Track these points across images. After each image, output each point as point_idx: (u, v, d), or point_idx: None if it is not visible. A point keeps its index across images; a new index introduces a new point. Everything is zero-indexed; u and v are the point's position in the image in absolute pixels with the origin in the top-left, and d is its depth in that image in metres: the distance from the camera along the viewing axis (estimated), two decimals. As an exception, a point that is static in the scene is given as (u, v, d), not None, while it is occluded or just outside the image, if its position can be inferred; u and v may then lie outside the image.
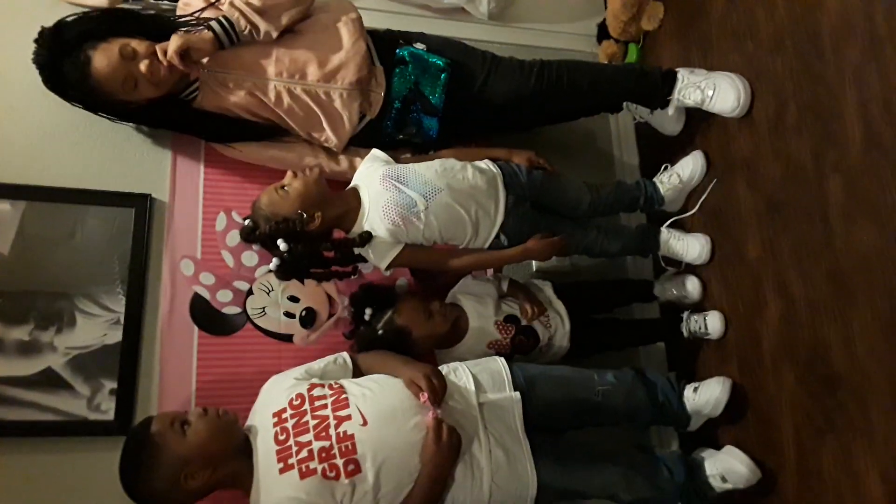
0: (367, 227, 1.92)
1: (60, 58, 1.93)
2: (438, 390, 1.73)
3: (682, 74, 2.25)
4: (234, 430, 1.74)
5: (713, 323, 2.20)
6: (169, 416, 1.69)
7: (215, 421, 1.70)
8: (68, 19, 1.95)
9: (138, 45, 1.92)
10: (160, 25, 2.00)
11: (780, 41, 2.00)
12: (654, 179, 2.34)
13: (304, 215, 1.84)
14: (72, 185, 2.14)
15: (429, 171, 1.96)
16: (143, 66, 1.90)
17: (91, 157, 2.21)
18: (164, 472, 1.65)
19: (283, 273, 1.93)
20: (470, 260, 2.04)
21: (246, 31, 1.97)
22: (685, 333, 2.29)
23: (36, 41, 1.93)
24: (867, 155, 1.72)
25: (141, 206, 2.16)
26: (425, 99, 2.16)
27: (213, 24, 1.94)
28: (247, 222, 1.92)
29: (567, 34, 2.87)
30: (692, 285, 2.29)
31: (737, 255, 2.15)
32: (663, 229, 2.31)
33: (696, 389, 2.09)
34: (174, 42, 1.88)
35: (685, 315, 2.30)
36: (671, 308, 2.40)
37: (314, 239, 1.89)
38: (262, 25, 1.98)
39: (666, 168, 2.35)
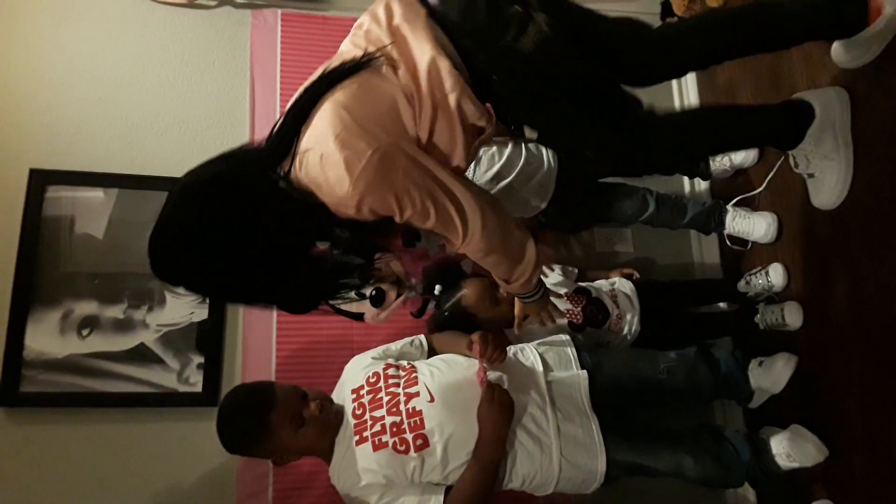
0: None
1: None
2: (492, 344, 1.76)
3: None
4: (338, 425, 1.81)
5: (791, 314, 2.12)
6: (289, 411, 1.73)
7: (325, 424, 1.78)
8: None
9: None
10: None
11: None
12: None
13: None
14: (158, 174, 2.28)
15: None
16: None
17: (174, 147, 2.35)
18: (265, 448, 1.76)
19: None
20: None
21: None
22: (762, 326, 2.22)
23: None
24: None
25: (222, 192, 2.29)
26: None
27: None
28: None
29: (629, 13, 2.84)
30: (776, 274, 2.20)
31: (806, 233, 2.12)
32: (729, 207, 2.30)
33: (761, 363, 2.09)
34: None
35: (761, 307, 2.23)
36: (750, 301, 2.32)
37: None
38: None
39: None
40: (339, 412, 1.83)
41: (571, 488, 1.84)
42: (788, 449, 1.97)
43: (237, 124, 2.39)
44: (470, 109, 1.43)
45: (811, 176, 1.99)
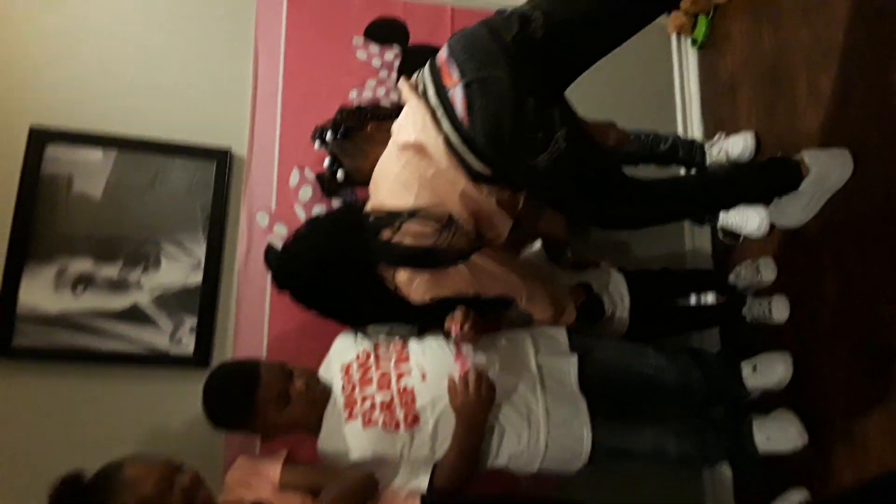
0: None
1: None
2: (471, 320, 1.78)
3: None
4: (324, 401, 1.83)
5: (778, 308, 2.16)
6: (275, 389, 1.76)
7: (311, 401, 1.80)
8: None
9: None
10: None
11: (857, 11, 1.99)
12: (706, 145, 2.38)
13: None
14: (157, 138, 2.29)
15: None
16: None
17: (175, 111, 2.35)
18: (251, 425, 1.80)
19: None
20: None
21: None
22: (748, 318, 2.25)
23: None
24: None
25: (222, 160, 2.30)
26: None
27: None
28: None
29: None
30: (766, 268, 2.23)
31: (796, 230, 2.15)
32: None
33: (755, 368, 2.08)
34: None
35: (749, 299, 2.26)
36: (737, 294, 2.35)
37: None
38: None
39: (720, 137, 2.38)
40: (324, 389, 1.85)
41: (556, 467, 1.86)
42: (770, 431, 2.00)
43: (240, 91, 2.40)
44: None
45: (776, 208, 2.16)
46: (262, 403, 1.75)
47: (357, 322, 1.96)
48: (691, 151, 2.45)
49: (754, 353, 2.12)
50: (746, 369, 2.10)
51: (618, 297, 2.18)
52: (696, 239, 2.61)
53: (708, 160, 2.44)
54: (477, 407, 1.73)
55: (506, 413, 1.80)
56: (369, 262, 1.79)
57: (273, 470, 1.75)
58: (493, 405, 1.77)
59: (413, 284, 1.78)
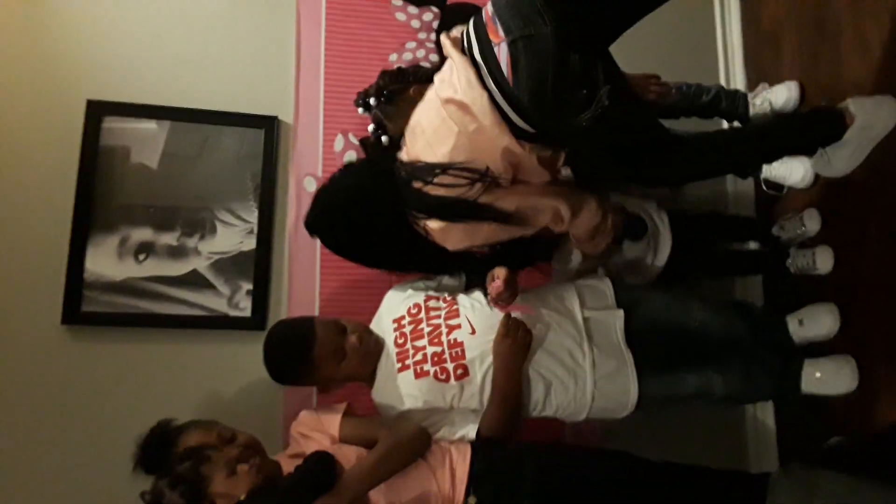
0: None
1: None
2: (507, 282, 1.80)
3: None
4: (378, 353, 1.91)
5: (823, 259, 2.15)
6: (331, 346, 1.83)
7: (365, 354, 1.88)
8: None
9: None
10: None
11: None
12: (749, 96, 2.35)
13: None
14: (208, 107, 2.36)
15: None
16: None
17: (223, 81, 2.41)
18: (310, 379, 1.90)
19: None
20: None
21: None
22: (792, 269, 2.24)
23: None
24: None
25: (270, 128, 2.36)
26: None
27: None
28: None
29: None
30: (811, 219, 2.22)
31: (841, 179, 2.13)
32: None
33: (801, 322, 2.09)
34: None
35: (792, 250, 2.25)
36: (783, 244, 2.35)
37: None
38: None
39: (764, 88, 2.35)
40: (378, 341, 1.92)
41: (602, 416, 1.92)
42: (823, 369, 1.99)
43: (284, 58, 2.44)
44: None
45: (821, 157, 2.11)
46: (319, 359, 1.83)
47: (393, 267, 1.98)
48: (734, 102, 2.43)
49: (799, 306, 2.13)
50: (792, 323, 2.11)
51: (659, 221, 2.17)
52: (738, 192, 2.61)
53: (751, 111, 2.42)
54: (513, 349, 1.79)
55: (553, 366, 1.85)
56: (400, 208, 1.79)
57: (332, 423, 1.82)
58: (528, 350, 1.82)
59: (446, 233, 1.79)
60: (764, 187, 2.38)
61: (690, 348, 2.02)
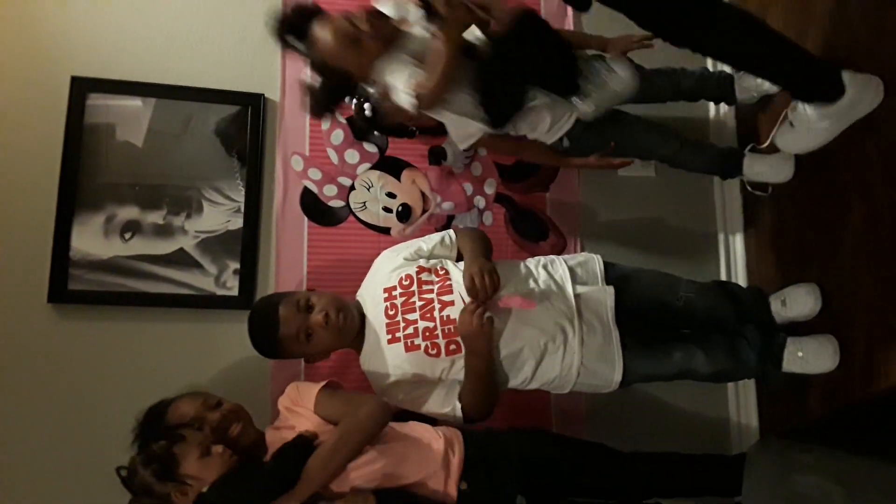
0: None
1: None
2: (482, 289, 1.81)
3: None
4: (352, 326, 1.92)
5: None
6: (293, 325, 1.84)
7: (336, 331, 1.87)
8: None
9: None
10: None
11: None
12: (736, 80, 2.35)
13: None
14: (193, 84, 2.34)
15: None
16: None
17: (209, 58, 2.39)
18: (288, 355, 1.93)
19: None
20: (539, 153, 2.17)
21: None
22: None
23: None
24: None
25: (256, 106, 2.35)
26: None
27: None
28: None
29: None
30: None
31: (822, 161, 2.14)
32: (746, 152, 2.32)
33: (783, 302, 2.12)
34: None
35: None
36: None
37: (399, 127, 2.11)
38: None
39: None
40: (351, 315, 1.91)
41: (587, 390, 1.97)
42: (805, 347, 2.02)
43: (269, 36, 2.41)
44: None
45: (791, 125, 2.10)
46: (286, 340, 1.86)
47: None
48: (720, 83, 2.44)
49: (782, 287, 2.16)
50: (775, 303, 2.14)
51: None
52: (725, 190, 2.64)
53: (737, 91, 2.41)
54: (474, 334, 1.80)
55: (542, 341, 1.87)
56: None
57: (310, 400, 1.83)
58: (491, 336, 1.82)
59: None
60: (749, 188, 2.39)
61: (675, 325, 2.08)
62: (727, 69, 2.52)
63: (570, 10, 2.60)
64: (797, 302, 2.10)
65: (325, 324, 1.85)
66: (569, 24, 2.61)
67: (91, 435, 2.08)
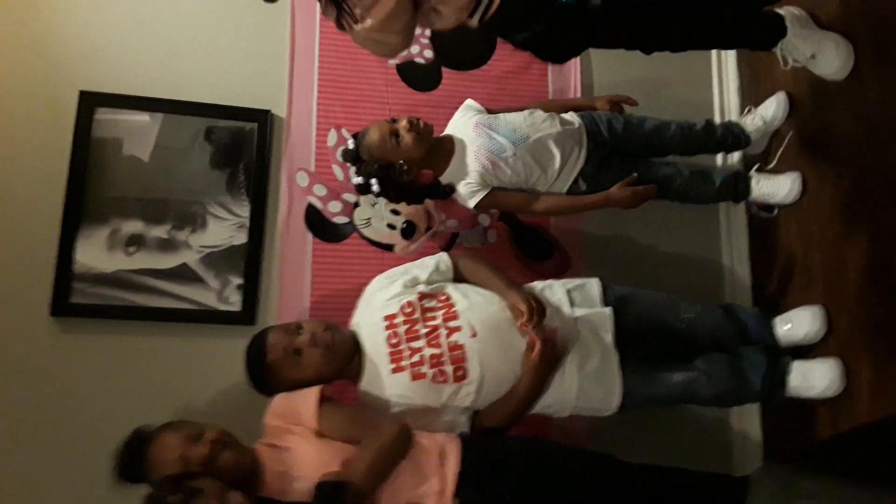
0: (461, 168, 2.13)
1: None
2: (538, 315, 1.83)
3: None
4: (343, 348, 1.90)
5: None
6: (280, 348, 1.85)
7: (325, 350, 1.86)
8: None
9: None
10: None
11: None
12: (739, 121, 2.37)
13: (406, 167, 2.07)
14: (200, 100, 2.35)
15: (518, 120, 2.15)
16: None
17: (216, 74, 2.41)
18: (285, 386, 1.86)
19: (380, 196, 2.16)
20: (552, 204, 2.18)
21: None
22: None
23: None
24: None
25: (262, 122, 2.36)
26: None
27: None
28: (351, 144, 2.12)
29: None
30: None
31: (828, 183, 2.14)
32: (753, 173, 2.33)
33: (788, 324, 2.10)
34: None
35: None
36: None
37: (404, 186, 2.12)
38: None
39: (750, 110, 2.37)
40: (342, 338, 1.90)
41: (587, 413, 1.96)
42: (810, 372, 1.99)
43: (277, 53, 2.44)
44: None
45: (812, 57, 2.08)
46: (275, 363, 1.85)
47: None
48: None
49: (787, 309, 2.15)
50: (780, 325, 2.12)
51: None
52: (731, 219, 2.62)
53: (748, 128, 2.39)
54: (547, 373, 1.85)
55: None
56: None
57: (310, 416, 1.78)
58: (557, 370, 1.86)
59: None
60: (755, 209, 2.39)
61: (677, 348, 2.05)
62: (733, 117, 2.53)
63: (575, 67, 2.61)
64: (802, 324, 2.09)
65: (313, 341, 1.84)
66: (576, 79, 2.62)
67: (92, 449, 2.03)
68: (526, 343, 1.85)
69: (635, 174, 2.14)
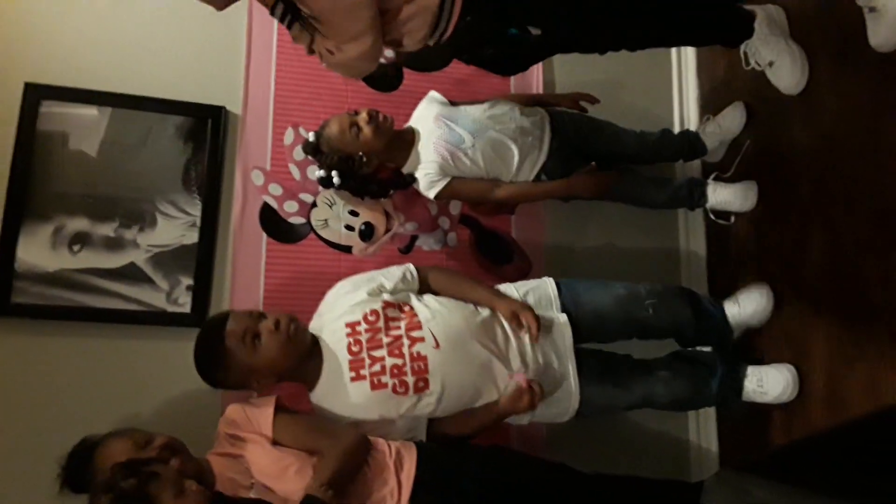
0: (421, 159, 2.10)
1: None
2: (535, 323, 1.83)
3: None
4: (303, 342, 1.85)
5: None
6: (241, 327, 1.77)
7: (285, 339, 1.79)
8: None
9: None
10: None
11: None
12: (697, 130, 2.39)
13: (365, 159, 2.03)
14: (152, 94, 2.29)
15: (478, 112, 2.13)
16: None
17: (169, 69, 2.35)
18: (234, 375, 1.81)
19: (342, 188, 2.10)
20: (513, 190, 2.16)
21: None
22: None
23: None
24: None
25: (216, 118, 2.30)
26: None
27: None
28: (311, 137, 2.06)
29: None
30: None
31: (784, 191, 2.16)
32: (709, 181, 2.33)
33: (738, 304, 2.13)
34: None
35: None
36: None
37: (366, 178, 2.08)
38: None
39: (708, 119, 2.39)
40: (304, 334, 1.86)
41: (545, 420, 1.96)
42: (764, 377, 2.02)
43: (234, 49, 2.39)
44: None
45: (770, 65, 2.10)
46: (232, 343, 1.76)
47: None
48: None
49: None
50: (731, 307, 2.14)
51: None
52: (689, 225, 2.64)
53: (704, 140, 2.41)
54: (520, 411, 1.83)
55: (500, 372, 1.85)
56: None
57: (265, 423, 1.75)
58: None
59: None
60: (712, 217, 2.40)
61: (636, 335, 2.05)
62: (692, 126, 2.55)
63: (537, 73, 2.60)
64: (750, 300, 2.12)
65: (274, 328, 1.78)
66: (538, 81, 2.61)
67: (34, 457, 1.95)
68: (492, 360, 1.85)
69: (594, 163, 2.14)
